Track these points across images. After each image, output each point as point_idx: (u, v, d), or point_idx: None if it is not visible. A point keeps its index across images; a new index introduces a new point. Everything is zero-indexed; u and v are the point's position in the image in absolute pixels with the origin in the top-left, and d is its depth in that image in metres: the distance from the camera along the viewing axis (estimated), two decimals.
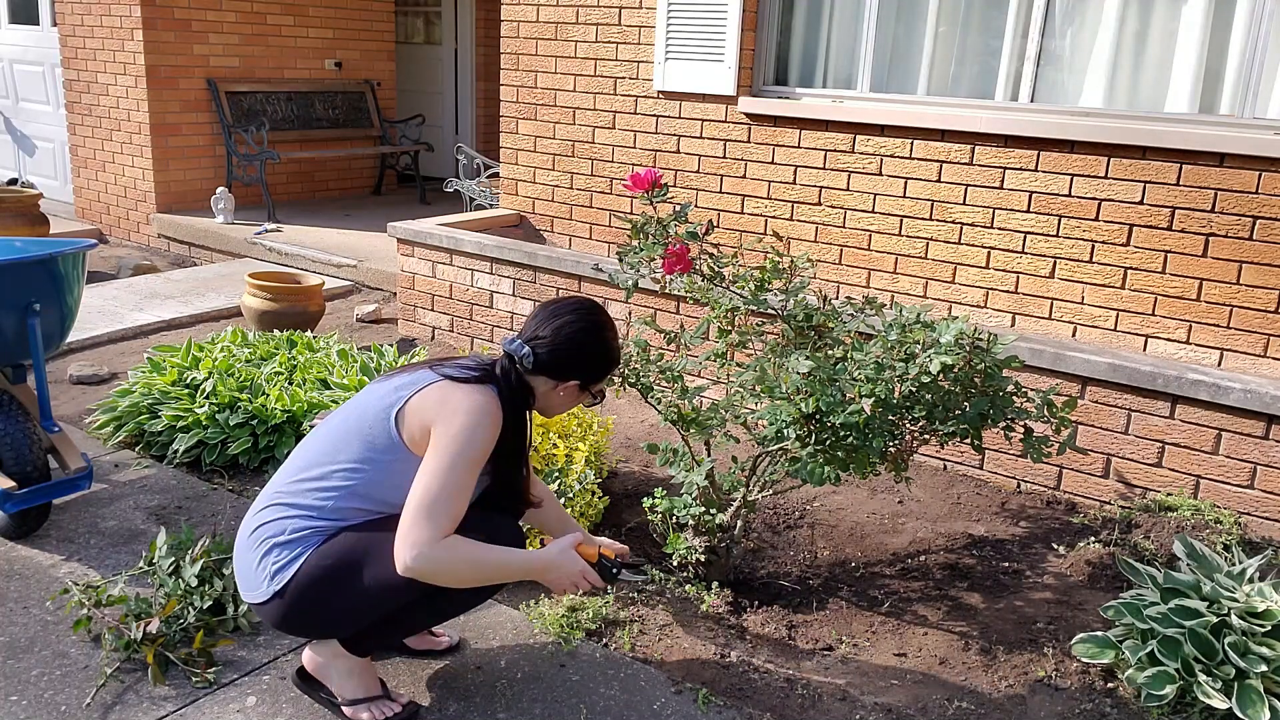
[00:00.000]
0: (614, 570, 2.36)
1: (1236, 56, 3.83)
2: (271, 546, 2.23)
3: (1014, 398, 2.66)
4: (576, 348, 2.30)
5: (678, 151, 5.06)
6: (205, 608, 2.71)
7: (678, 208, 2.84)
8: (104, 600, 2.71)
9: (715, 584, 3.00)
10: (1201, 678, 2.45)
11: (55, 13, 8.05)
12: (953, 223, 4.33)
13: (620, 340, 2.48)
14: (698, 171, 5.01)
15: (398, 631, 2.41)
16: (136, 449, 3.88)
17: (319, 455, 2.28)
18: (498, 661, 2.66)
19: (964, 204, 4.29)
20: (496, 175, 6.77)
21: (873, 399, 2.49)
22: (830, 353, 2.75)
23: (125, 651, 2.58)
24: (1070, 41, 4.19)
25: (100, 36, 7.66)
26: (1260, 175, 3.66)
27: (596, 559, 2.34)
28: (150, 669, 2.51)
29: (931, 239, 4.40)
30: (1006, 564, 3.28)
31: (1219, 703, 2.40)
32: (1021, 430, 2.73)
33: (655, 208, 2.86)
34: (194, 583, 2.73)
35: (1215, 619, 2.51)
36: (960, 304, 4.37)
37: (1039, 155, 4.09)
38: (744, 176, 4.88)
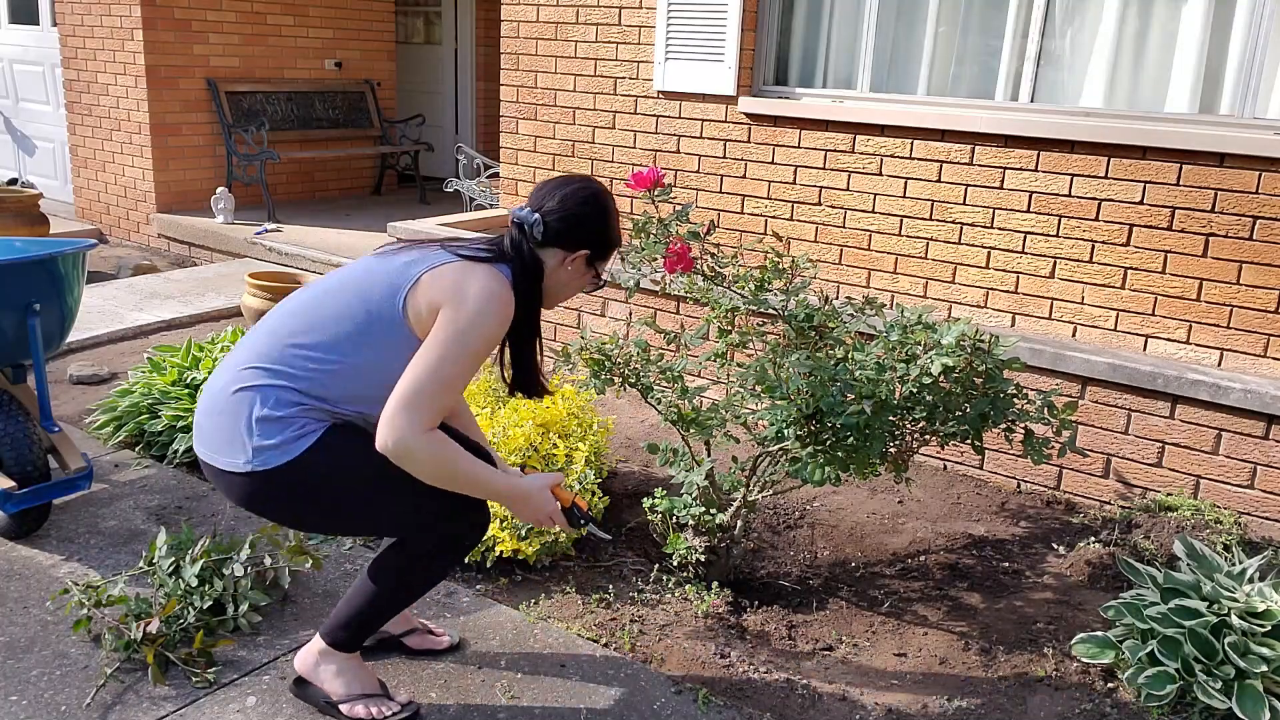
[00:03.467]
0: (581, 521, 2.36)
1: (1236, 56, 3.83)
2: (259, 419, 2.11)
3: (1015, 399, 2.66)
4: (588, 213, 2.23)
5: (678, 151, 5.06)
6: (205, 608, 2.71)
7: (679, 207, 2.84)
8: (104, 600, 2.71)
9: (715, 584, 3.00)
10: (1201, 678, 2.45)
11: (55, 13, 8.05)
12: (953, 223, 4.33)
13: (620, 337, 2.47)
14: (698, 171, 5.02)
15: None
16: (136, 449, 3.88)
17: (312, 322, 2.16)
18: (498, 661, 2.66)
19: (964, 204, 4.29)
20: (496, 175, 6.77)
21: (873, 400, 2.50)
22: (831, 353, 2.75)
23: (125, 651, 2.58)
24: (1070, 41, 4.19)
25: (100, 36, 7.66)
26: (1260, 175, 3.66)
27: (570, 505, 2.33)
28: (150, 669, 2.51)
29: (931, 239, 4.40)
30: (1006, 564, 3.28)
31: (1219, 703, 2.40)
32: (1022, 431, 2.73)
33: (657, 207, 2.86)
34: (194, 583, 2.73)
35: (1215, 619, 2.51)
36: (960, 304, 4.37)
37: (1039, 155, 4.09)
38: (744, 176, 4.88)
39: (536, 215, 2.20)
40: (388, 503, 2.20)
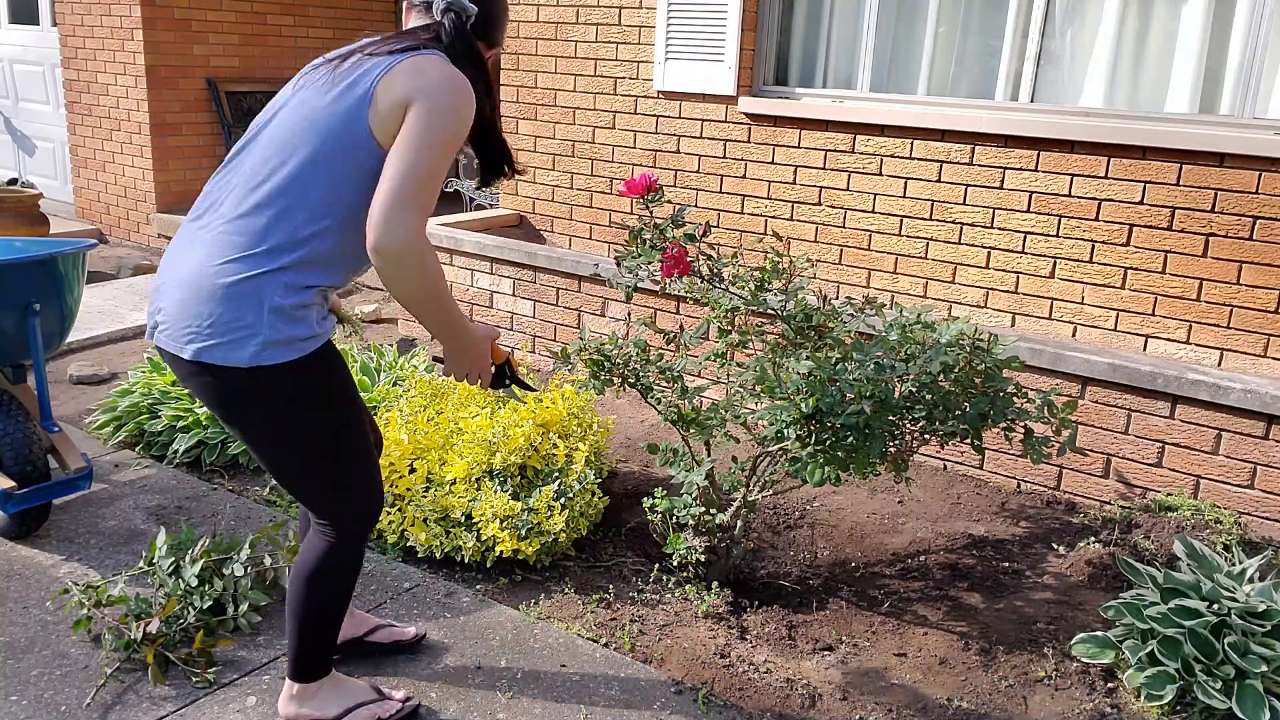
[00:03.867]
0: (506, 381, 2.35)
1: (1236, 57, 3.83)
2: (274, 310, 1.97)
3: (1014, 398, 2.66)
4: (499, 10, 2.18)
5: (678, 152, 5.06)
6: (205, 608, 2.71)
7: (676, 209, 2.84)
8: (104, 600, 2.71)
9: (715, 584, 3.00)
10: (1201, 678, 2.45)
11: (55, 13, 8.05)
12: (953, 223, 4.33)
13: (620, 338, 2.46)
14: (698, 171, 5.01)
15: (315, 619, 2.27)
16: (136, 449, 3.88)
17: (280, 186, 1.99)
18: (498, 661, 2.66)
19: (964, 204, 4.29)
20: None
21: (873, 399, 2.49)
22: (830, 353, 2.75)
23: (125, 651, 2.58)
24: (1070, 41, 4.19)
25: (100, 36, 7.66)
26: (1260, 175, 3.66)
27: (503, 361, 2.30)
28: (150, 669, 2.51)
29: (931, 239, 4.40)
30: (1006, 564, 3.28)
31: (1219, 703, 2.40)
32: (1022, 431, 2.73)
33: (651, 211, 2.86)
34: (194, 583, 2.73)
35: (1215, 619, 2.51)
36: (960, 304, 4.37)
37: (1039, 155, 4.09)
38: (744, 176, 4.88)
39: (470, 3, 2.11)
40: (342, 438, 2.14)
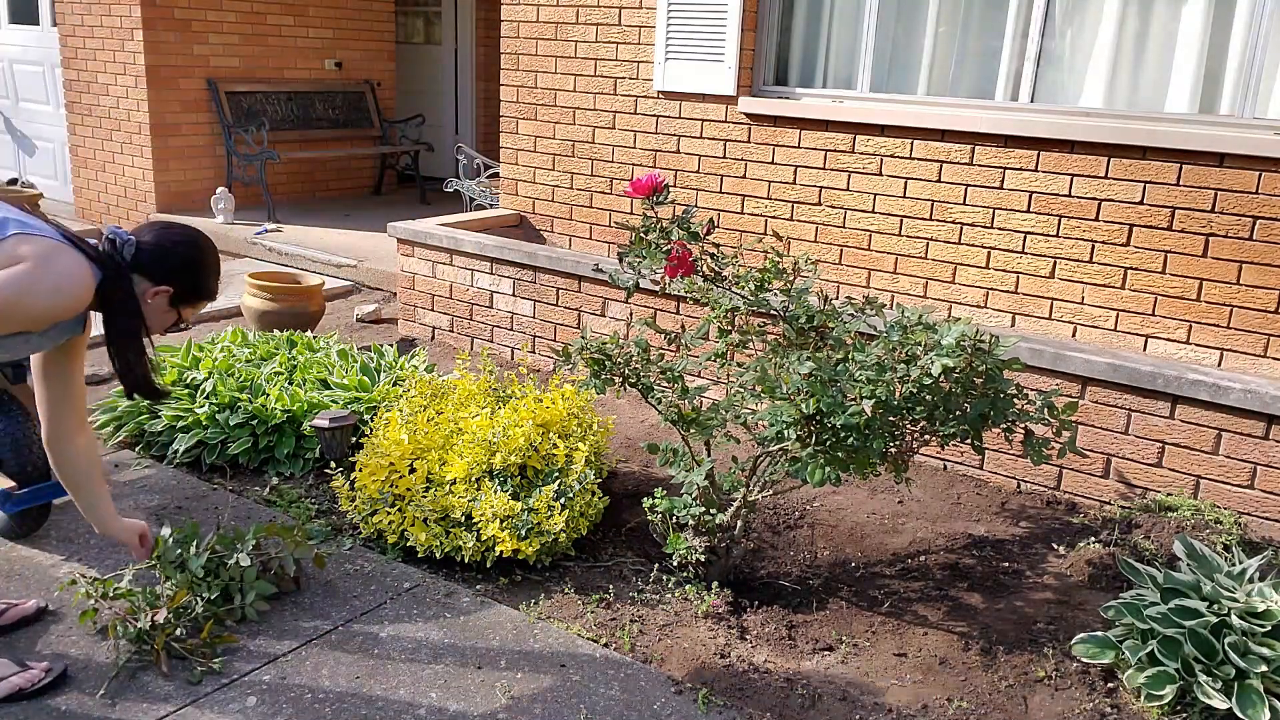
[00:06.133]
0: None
1: (1236, 57, 3.83)
2: None
3: (1015, 399, 2.66)
4: (180, 253, 2.40)
5: (678, 152, 5.06)
6: (213, 598, 2.72)
7: (681, 211, 2.84)
8: (111, 593, 2.71)
9: (715, 584, 3.00)
10: (1201, 678, 2.45)
11: (55, 13, 8.05)
12: (953, 223, 4.33)
13: (621, 337, 2.46)
14: (698, 172, 5.01)
15: None
16: (136, 449, 3.88)
17: None
18: (498, 661, 2.66)
19: (964, 204, 4.29)
20: (496, 175, 6.77)
21: (873, 400, 2.49)
22: (831, 353, 2.75)
23: (135, 644, 2.59)
24: (1070, 41, 4.19)
25: (100, 36, 7.66)
26: (1260, 175, 3.66)
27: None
28: (158, 656, 2.52)
29: (931, 239, 4.40)
30: (1006, 564, 3.28)
31: (1219, 703, 2.40)
32: (1022, 431, 2.73)
33: (656, 212, 2.86)
34: (200, 574, 2.74)
35: (1215, 619, 2.51)
36: (960, 304, 4.37)
37: (1039, 155, 4.09)
38: (744, 176, 4.88)
39: (131, 238, 2.35)
40: None
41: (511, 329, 5.14)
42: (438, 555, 3.08)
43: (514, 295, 5.08)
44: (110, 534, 2.70)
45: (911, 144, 4.37)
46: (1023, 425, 2.72)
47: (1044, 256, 4.14)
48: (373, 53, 8.93)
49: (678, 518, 2.99)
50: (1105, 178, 3.96)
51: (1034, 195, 4.12)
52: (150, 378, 2.51)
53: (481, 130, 9.96)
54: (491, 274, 5.13)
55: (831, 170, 4.61)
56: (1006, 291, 4.25)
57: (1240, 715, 2.36)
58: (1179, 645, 2.50)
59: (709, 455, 2.99)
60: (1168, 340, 3.92)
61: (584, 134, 5.38)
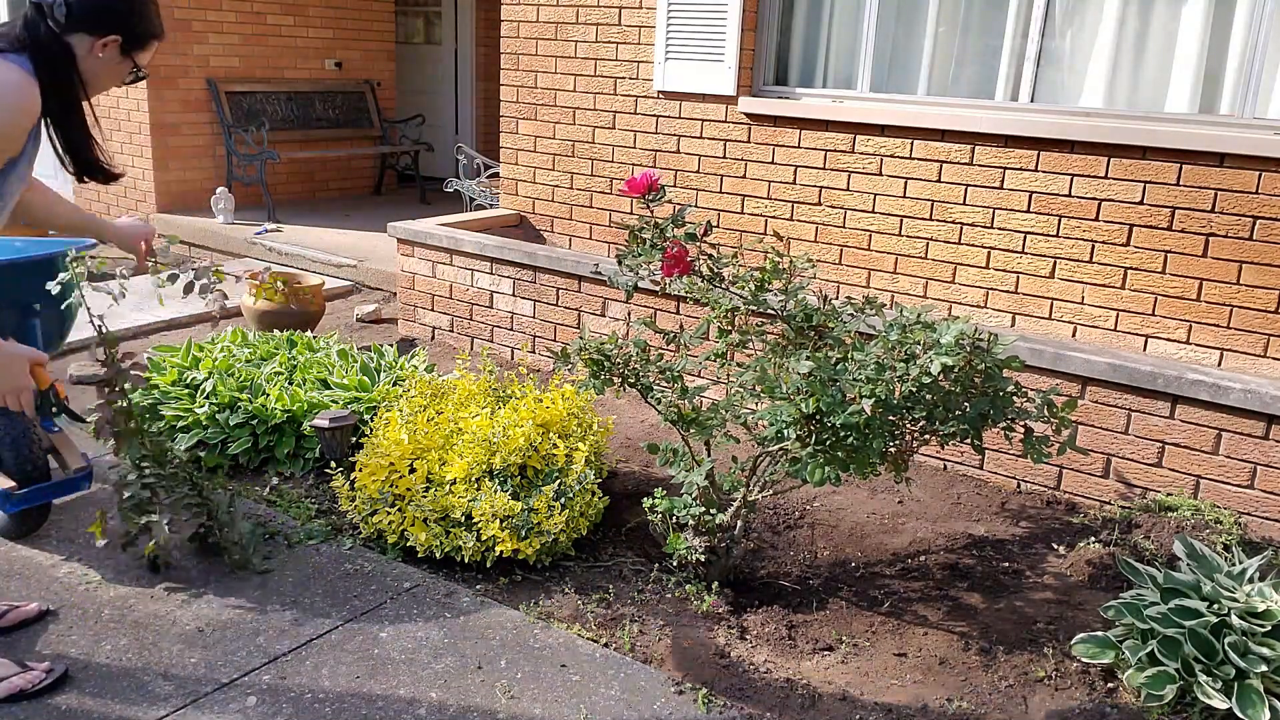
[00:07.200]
0: (55, 410, 2.27)
1: (1236, 56, 3.83)
2: None
3: (1014, 398, 2.66)
4: None
5: (678, 152, 5.06)
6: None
7: (676, 209, 2.84)
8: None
9: (715, 584, 3.00)
10: (1201, 678, 2.45)
11: None
12: (953, 223, 4.33)
13: (620, 338, 2.46)
14: (698, 171, 5.01)
15: None
16: None
17: None
18: (498, 661, 2.66)
19: (964, 204, 4.29)
20: (496, 175, 6.76)
21: (873, 399, 2.49)
22: (830, 353, 2.75)
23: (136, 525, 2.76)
24: (1070, 41, 4.19)
25: None
26: (1260, 175, 3.66)
27: (48, 387, 2.19)
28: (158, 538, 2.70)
29: (931, 239, 4.40)
30: (1006, 564, 3.28)
31: (1219, 703, 2.40)
32: (1022, 431, 2.73)
33: (652, 211, 2.86)
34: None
35: (1215, 619, 2.51)
36: (960, 304, 4.37)
37: (1039, 155, 4.09)
38: (744, 176, 4.88)
39: None
40: None
41: (511, 329, 5.14)
42: (438, 555, 3.08)
43: (514, 295, 5.08)
44: (114, 238, 2.70)
45: (911, 144, 4.37)
46: (1022, 424, 2.72)
47: (1044, 256, 4.14)
48: (373, 53, 8.93)
49: (678, 518, 2.99)
50: (1105, 178, 3.96)
51: (1034, 195, 4.12)
52: (99, 157, 2.32)
53: (481, 130, 9.97)
54: (491, 274, 5.13)
55: (831, 170, 4.61)
56: (1006, 291, 4.26)
57: (1240, 715, 2.36)
58: (1179, 645, 2.50)
59: (709, 455, 2.99)
60: (1168, 340, 3.92)
61: (584, 134, 5.38)
